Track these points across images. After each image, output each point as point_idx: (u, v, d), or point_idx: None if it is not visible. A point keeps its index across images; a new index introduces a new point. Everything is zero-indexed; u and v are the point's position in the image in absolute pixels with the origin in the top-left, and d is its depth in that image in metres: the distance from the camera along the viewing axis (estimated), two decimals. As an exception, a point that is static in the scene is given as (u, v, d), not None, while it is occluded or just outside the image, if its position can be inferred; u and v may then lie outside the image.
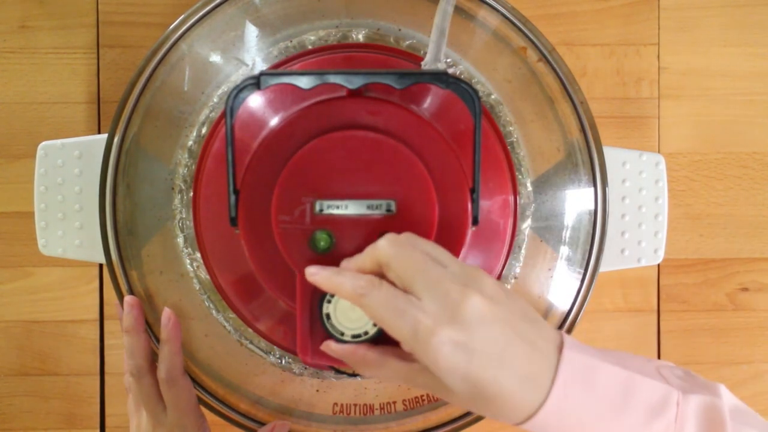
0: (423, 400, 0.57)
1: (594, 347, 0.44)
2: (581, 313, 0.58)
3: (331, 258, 0.52)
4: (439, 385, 0.43)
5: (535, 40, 0.58)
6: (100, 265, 0.64)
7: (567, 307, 0.59)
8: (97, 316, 0.64)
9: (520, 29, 0.58)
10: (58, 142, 0.54)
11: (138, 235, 0.54)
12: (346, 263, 0.49)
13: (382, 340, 0.51)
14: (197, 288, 0.55)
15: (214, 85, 0.55)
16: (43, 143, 0.54)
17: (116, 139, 0.53)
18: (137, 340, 0.55)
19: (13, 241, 0.64)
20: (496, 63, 0.58)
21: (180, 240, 0.55)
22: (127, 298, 0.55)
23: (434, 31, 0.55)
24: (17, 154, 0.64)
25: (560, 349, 0.43)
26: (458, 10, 0.57)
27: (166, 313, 0.54)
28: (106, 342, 0.65)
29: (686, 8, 0.65)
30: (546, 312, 0.59)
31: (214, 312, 0.55)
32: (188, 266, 0.55)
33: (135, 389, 0.55)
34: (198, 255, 0.55)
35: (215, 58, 0.55)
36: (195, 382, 0.55)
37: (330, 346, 0.49)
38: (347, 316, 0.52)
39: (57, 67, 0.64)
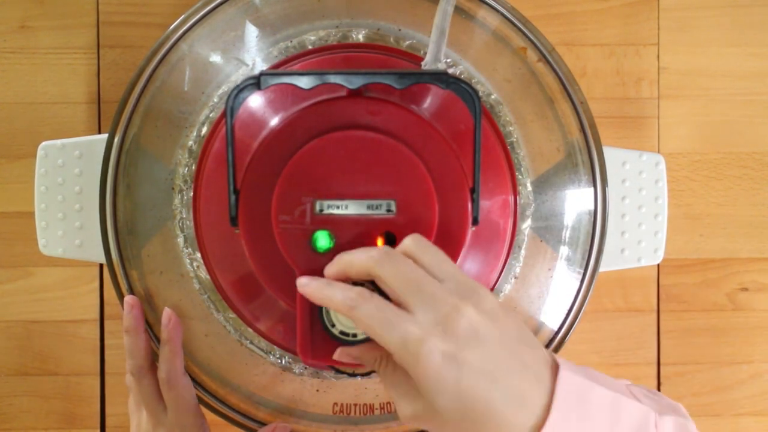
0: (423, 400, 0.57)
1: (576, 365, 0.43)
2: (581, 312, 0.58)
3: (332, 258, 0.52)
4: (427, 408, 0.42)
5: (534, 40, 0.58)
6: (101, 265, 0.64)
7: (567, 307, 0.59)
8: (97, 316, 0.64)
9: (519, 29, 0.58)
10: (59, 142, 0.54)
11: (138, 235, 0.54)
12: (338, 258, 0.48)
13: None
14: (197, 288, 0.55)
15: (215, 85, 0.55)
16: (44, 143, 0.54)
17: (116, 139, 0.53)
18: (137, 340, 0.55)
19: (14, 241, 0.64)
20: (496, 63, 0.58)
21: (180, 240, 0.55)
22: (127, 298, 0.55)
23: (434, 31, 0.55)
24: (18, 154, 0.63)
25: (553, 371, 0.42)
26: (458, 10, 0.57)
27: (167, 314, 0.54)
28: (107, 342, 0.65)
29: (686, 8, 0.65)
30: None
31: (214, 312, 0.55)
32: (188, 266, 0.55)
33: (135, 389, 0.55)
34: (198, 255, 0.55)
35: (215, 58, 0.55)
36: (195, 381, 0.55)
37: (344, 352, 0.48)
38: None
39: (57, 67, 0.64)
